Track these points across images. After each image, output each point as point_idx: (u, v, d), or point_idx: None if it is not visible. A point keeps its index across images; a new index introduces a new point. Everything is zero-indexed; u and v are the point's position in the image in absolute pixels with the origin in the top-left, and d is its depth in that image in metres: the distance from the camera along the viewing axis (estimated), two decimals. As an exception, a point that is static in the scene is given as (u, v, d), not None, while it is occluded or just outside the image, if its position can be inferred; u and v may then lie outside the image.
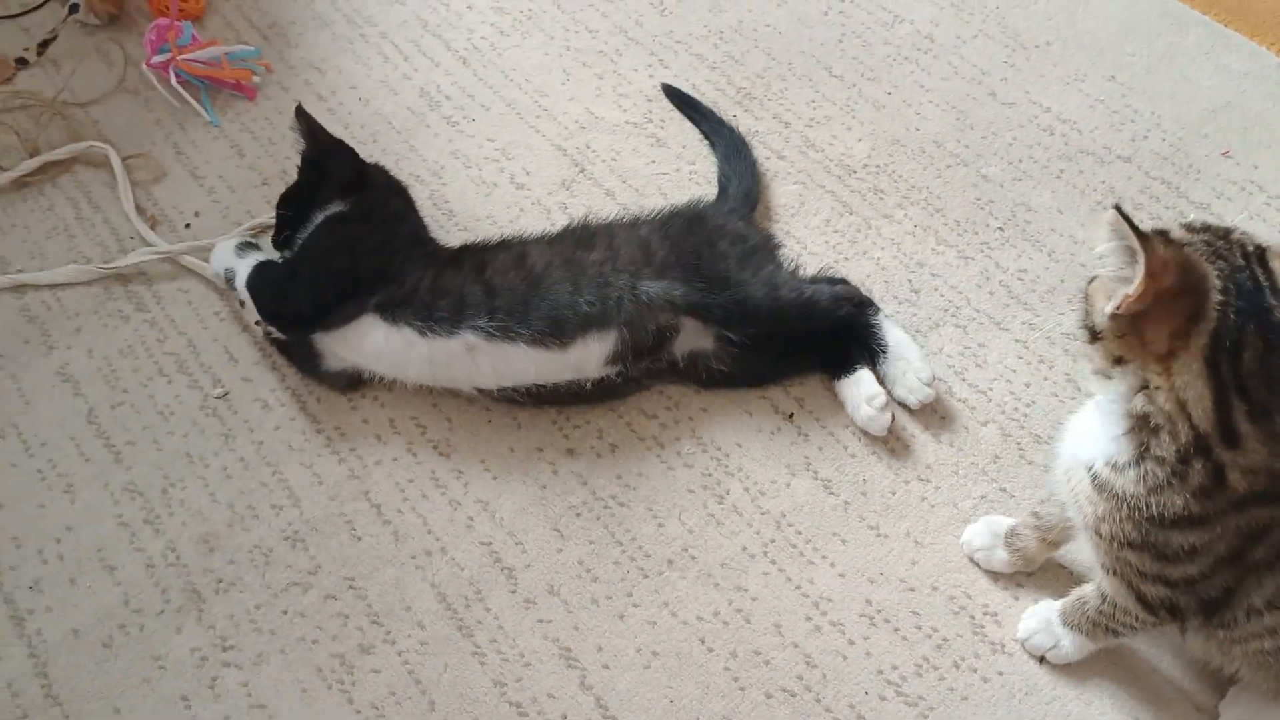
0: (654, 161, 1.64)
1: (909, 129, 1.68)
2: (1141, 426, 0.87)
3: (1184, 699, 1.11)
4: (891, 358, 1.29)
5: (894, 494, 1.27)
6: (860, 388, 1.29)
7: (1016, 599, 1.18)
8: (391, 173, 1.46)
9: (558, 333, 1.24)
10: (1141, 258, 0.80)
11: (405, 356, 1.26)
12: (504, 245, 1.35)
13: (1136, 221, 0.82)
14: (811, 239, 1.53)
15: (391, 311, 1.25)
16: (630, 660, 1.14)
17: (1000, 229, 1.55)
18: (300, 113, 1.37)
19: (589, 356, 1.26)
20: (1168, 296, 0.82)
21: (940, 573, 1.21)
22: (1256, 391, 0.81)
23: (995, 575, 1.20)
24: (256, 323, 1.35)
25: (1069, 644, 1.10)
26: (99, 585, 1.17)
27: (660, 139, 1.67)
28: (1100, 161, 1.63)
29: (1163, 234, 0.85)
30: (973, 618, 1.17)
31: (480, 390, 1.30)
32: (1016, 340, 1.41)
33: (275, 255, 1.37)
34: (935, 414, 1.34)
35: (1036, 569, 1.19)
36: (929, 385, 1.27)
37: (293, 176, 1.44)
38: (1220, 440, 0.83)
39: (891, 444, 1.31)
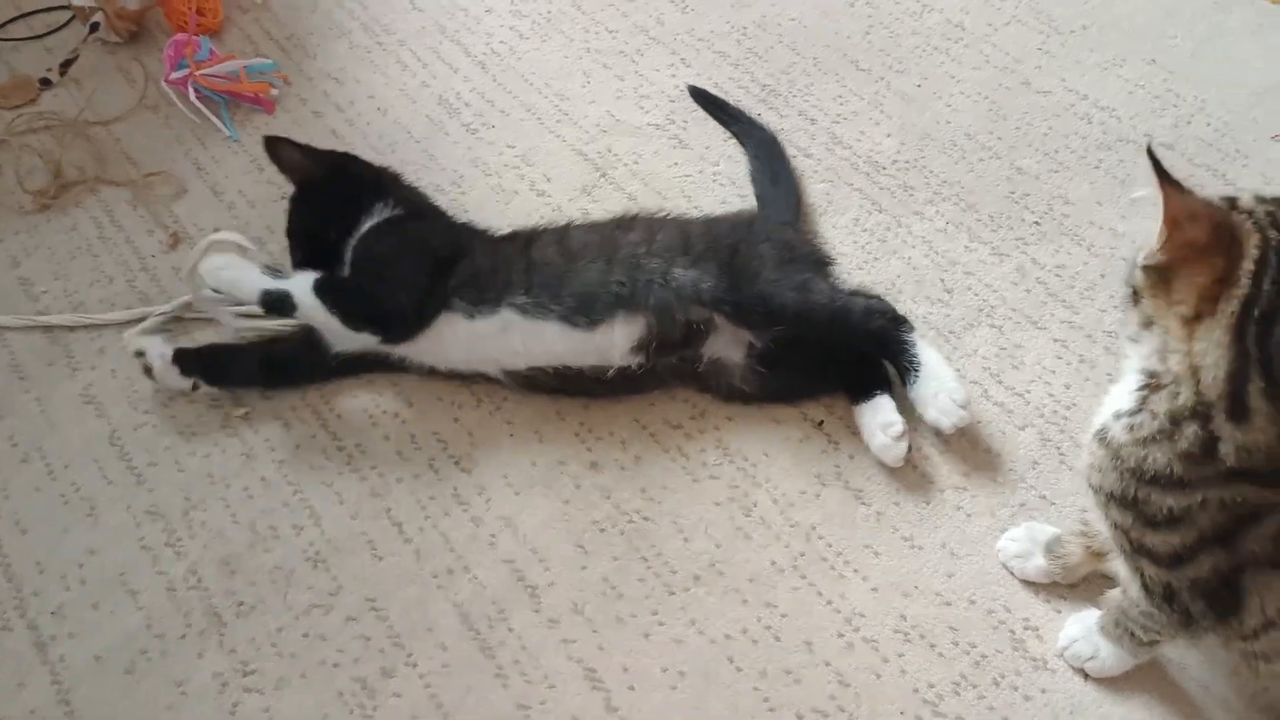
0: (677, 164, 1.60)
1: (939, 122, 1.63)
2: (1148, 384, 0.85)
3: None
4: (924, 378, 1.24)
5: (929, 504, 1.23)
6: (877, 414, 1.23)
7: (1059, 612, 1.13)
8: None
9: (586, 311, 1.23)
10: (1162, 202, 0.78)
11: (450, 339, 1.27)
12: (552, 227, 1.36)
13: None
14: (840, 239, 1.49)
15: (457, 294, 1.26)
16: (657, 680, 1.11)
17: (1036, 223, 1.49)
18: (282, 141, 1.35)
19: (615, 340, 1.24)
20: (1197, 252, 0.79)
21: (978, 585, 1.16)
22: None
23: (1036, 588, 1.15)
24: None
25: (1107, 655, 1.05)
26: (121, 610, 1.16)
27: (683, 140, 1.63)
28: (1141, 150, 1.54)
29: (1231, 200, 0.83)
30: (1013, 632, 1.12)
31: (507, 372, 1.29)
32: (1055, 340, 1.36)
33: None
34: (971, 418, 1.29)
35: (1077, 581, 1.14)
36: (964, 408, 1.22)
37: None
38: (1226, 412, 0.79)
39: (926, 451, 1.26)
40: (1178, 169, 1.53)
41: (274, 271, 1.31)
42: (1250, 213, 0.80)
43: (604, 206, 1.54)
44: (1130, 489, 0.87)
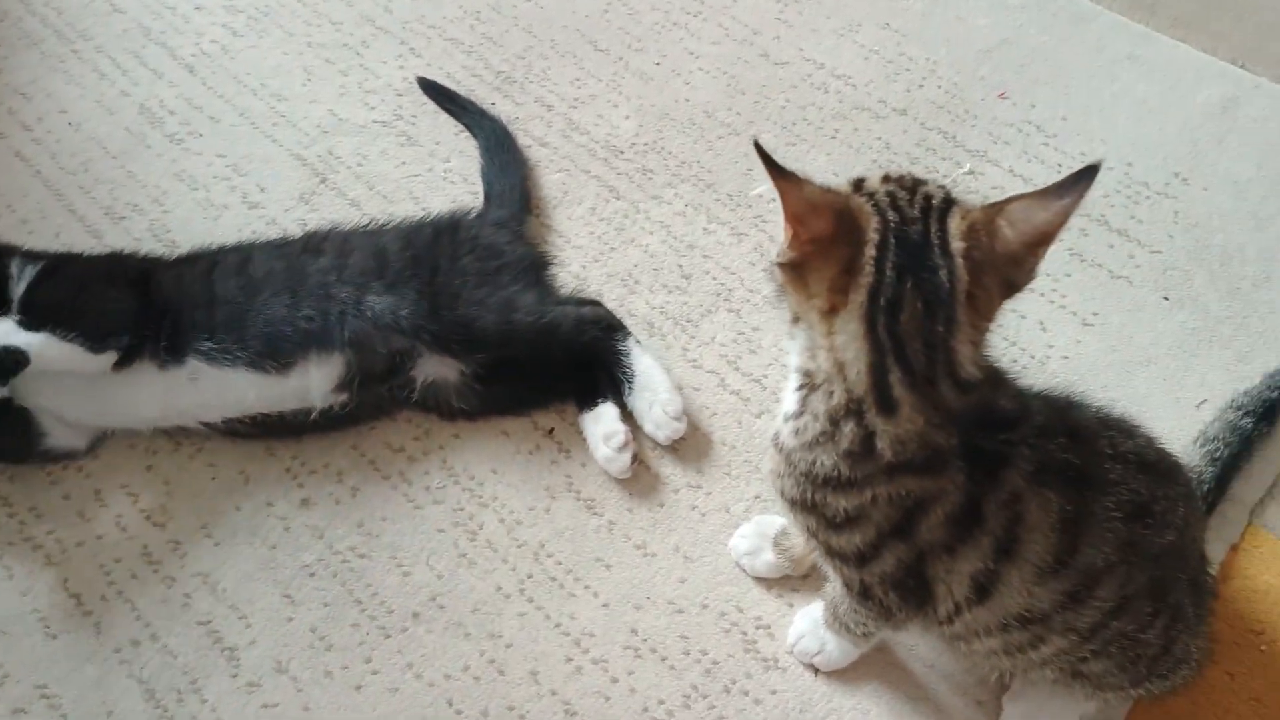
0: (405, 163, 1.50)
1: (678, 100, 1.57)
2: (806, 383, 0.80)
3: (962, 693, 1.04)
4: (638, 389, 1.18)
5: (663, 506, 1.17)
6: (599, 424, 1.17)
7: (791, 606, 1.10)
8: None
9: (275, 354, 1.12)
10: (780, 198, 0.73)
11: (146, 393, 1.13)
12: (236, 248, 1.24)
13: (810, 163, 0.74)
14: (575, 231, 1.42)
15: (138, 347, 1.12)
16: (368, 736, 1.02)
17: (774, 200, 1.44)
18: None
19: (311, 382, 1.13)
20: (824, 244, 0.74)
21: (710, 588, 1.11)
22: (915, 357, 0.73)
23: (768, 584, 1.11)
24: None
25: (834, 648, 1.03)
26: None
27: (411, 137, 1.53)
28: (876, 116, 1.55)
29: (859, 183, 0.79)
30: (744, 634, 1.08)
31: (206, 424, 1.17)
32: (791, 320, 1.32)
33: None
34: (706, 410, 1.24)
35: (807, 571, 1.10)
36: (678, 420, 1.17)
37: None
38: (876, 406, 0.75)
39: (660, 451, 1.21)
40: (911, 134, 1.54)
41: None
42: (873, 195, 0.76)
43: (324, 215, 1.42)
44: (808, 493, 0.83)
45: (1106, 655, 0.88)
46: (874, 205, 0.74)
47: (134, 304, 1.13)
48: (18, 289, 1.13)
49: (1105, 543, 0.82)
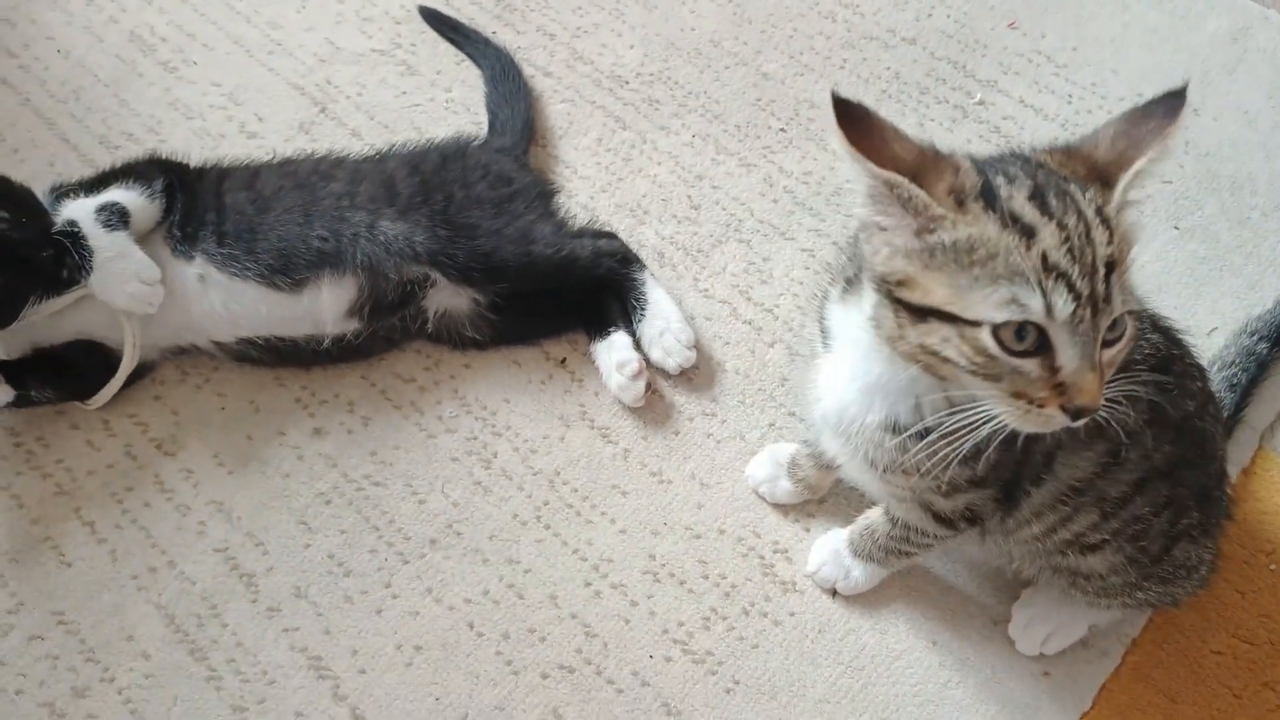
0: (405, 92, 1.47)
1: (683, 29, 1.54)
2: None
3: (981, 612, 1.05)
4: (650, 317, 1.18)
5: (678, 434, 1.17)
6: (613, 353, 1.16)
7: (808, 531, 1.10)
8: None
9: (287, 270, 1.10)
10: None
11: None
12: (245, 166, 1.23)
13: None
14: (582, 162, 1.40)
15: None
16: (390, 660, 1.02)
17: (783, 130, 1.43)
18: None
19: (323, 304, 1.12)
20: None
21: (727, 513, 1.12)
22: None
23: (784, 509, 1.12)
24: None
25: (859, 574, 1.03)
26: None
27: (412, 66, 1.49)
28: (885, 46, 1.52)
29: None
30: (762, 558, 1.09)
31: (218, 344, 1.15)
32: (802, 249, 1.32)
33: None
34: (719, 339, 1.24)
35: (825, 494, 1.11)
36: (689, 348, 1.16)
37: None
38: None
39: (675, 379, 1.20)
40: (920, 64, 1.52)
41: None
42: None
43: (325, 145, 1.39)
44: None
45: (1115, 545, 0.87)
46: None
47: (160, 166, 1.16)
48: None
49: (1135, 398, 0.79)
